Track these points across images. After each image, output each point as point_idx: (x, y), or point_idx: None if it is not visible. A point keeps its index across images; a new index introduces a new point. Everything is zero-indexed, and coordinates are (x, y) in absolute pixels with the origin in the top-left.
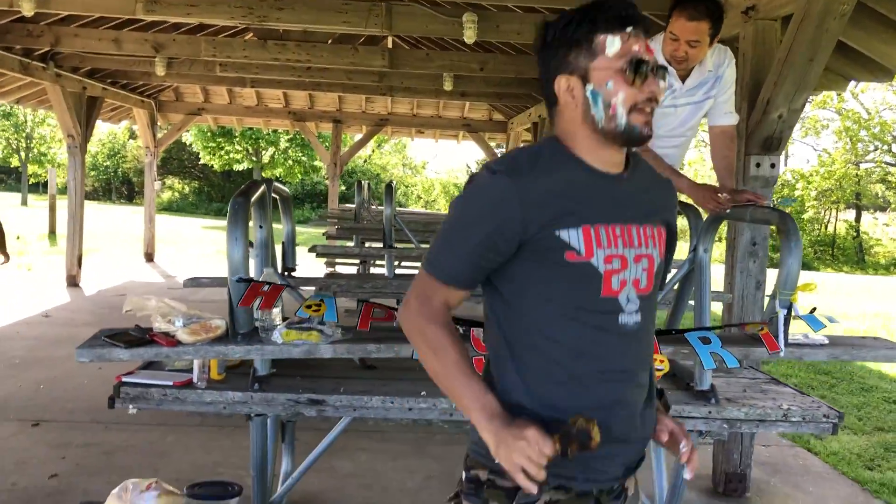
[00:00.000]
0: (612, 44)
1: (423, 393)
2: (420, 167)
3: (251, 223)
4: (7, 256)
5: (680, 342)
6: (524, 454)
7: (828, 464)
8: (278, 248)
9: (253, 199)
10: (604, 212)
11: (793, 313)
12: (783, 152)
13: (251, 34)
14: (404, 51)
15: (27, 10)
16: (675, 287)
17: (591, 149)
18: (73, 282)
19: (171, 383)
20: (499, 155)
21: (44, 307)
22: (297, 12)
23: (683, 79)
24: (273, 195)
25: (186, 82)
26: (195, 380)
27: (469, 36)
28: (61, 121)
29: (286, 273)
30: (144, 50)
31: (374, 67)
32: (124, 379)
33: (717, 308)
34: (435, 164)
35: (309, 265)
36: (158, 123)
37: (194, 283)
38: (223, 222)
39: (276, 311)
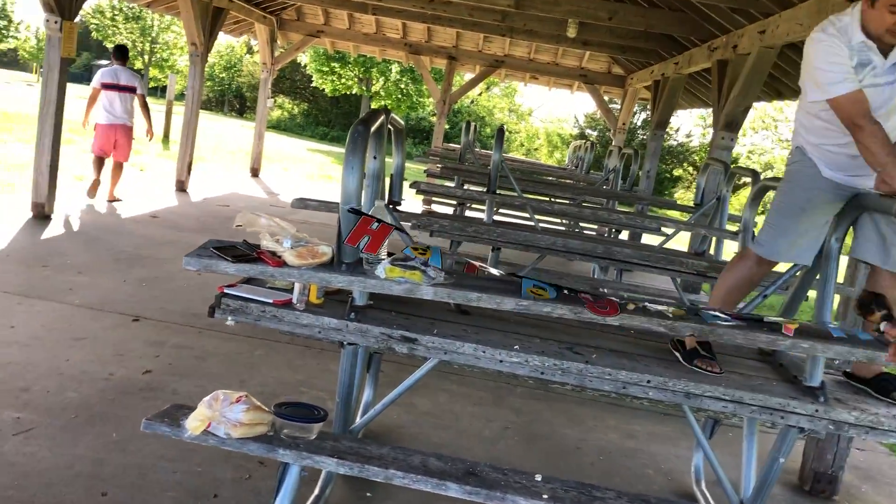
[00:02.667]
0: None
1: (515, 347)
2: (526, 114)
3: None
4: (152, 133)
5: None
6: None
7: None
8: (386, 181)
9: (372, 128)
10: None
11: None
12: None
13: None
14: None
15: None
16: (797, 274)
17: None
18: (181, 187)
19: (271, 301)
20: (612, 110)
21: (152, 208)
22: None
23: (885, 54)
24: (388, 126)
25: (309, 2)
26: (294, 301)
27: None
28: (187, 28)
29: (391, 205)
30: None
31: (499, 6)
32: (226, 290)
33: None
34: (541, 112)
35: (406, 200)
36: (277, 41)
37: (302, 203)
38: (328, 146)
39: (384, 247)
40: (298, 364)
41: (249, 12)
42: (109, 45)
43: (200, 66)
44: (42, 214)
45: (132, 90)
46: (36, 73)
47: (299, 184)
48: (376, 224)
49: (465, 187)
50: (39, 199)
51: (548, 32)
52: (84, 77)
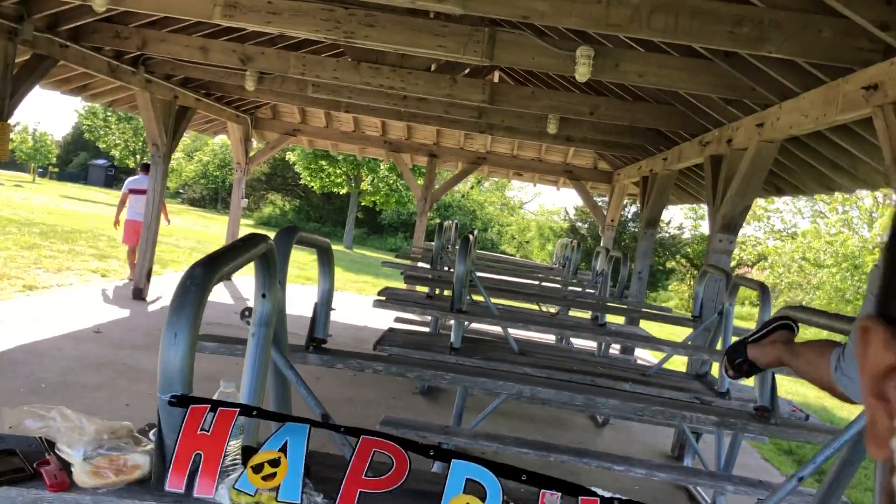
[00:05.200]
0: None
1: None
2: (517, 206)
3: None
4: (168, 220)
5: None
6: None
7: None
8: (307, 311)
9: (247, 254)
10: None
11: None
12: None
13: (347, 56)
14: (507, 86)
15: (98, 6)
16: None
17: None
18: (139, 295)
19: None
20: (600, 205)
21: (99, 320)
22: (389, 31)
23: None
24: (305, 247)
25: (277, 100)
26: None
27: (581, 73)
28: (147, 128)
29: (313, 345)
30: (231, 61)
31: (473, 102)
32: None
33: None
34: (533, 204)
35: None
36: (254, 140)
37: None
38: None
39: (235, 443)
40: None
41: (220, 111)
42: (102, 146)
43: (163, 167)
44: None
45: None
46: (32, 173)
47: None
48: (210, 419)
49: (445, 293)
50: None
51: (528, 129)
52: (81, 176)
